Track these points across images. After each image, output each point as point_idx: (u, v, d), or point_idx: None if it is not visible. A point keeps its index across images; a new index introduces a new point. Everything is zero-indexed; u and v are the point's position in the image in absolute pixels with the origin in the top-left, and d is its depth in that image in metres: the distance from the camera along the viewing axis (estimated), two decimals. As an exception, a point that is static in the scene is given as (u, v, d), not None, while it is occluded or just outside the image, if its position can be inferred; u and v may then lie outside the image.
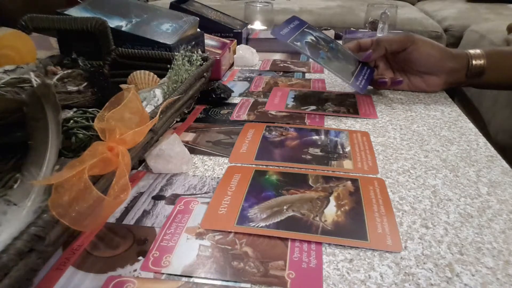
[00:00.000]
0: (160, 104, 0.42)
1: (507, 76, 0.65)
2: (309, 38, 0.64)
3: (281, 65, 0.87)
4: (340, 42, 0.73)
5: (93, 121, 0.39)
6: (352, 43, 0.69)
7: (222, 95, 0.63)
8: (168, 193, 0.40)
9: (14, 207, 0.28)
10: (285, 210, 0.36)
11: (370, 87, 0.70)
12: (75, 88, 0.52)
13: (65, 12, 0.63)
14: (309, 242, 0.33)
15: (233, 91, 0.67)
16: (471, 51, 0.65)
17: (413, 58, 0.66)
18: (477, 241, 0.33)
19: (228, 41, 0.84)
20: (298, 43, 0.61)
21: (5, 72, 0.50)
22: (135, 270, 0.30)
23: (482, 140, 0.52)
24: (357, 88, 0.64)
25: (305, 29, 0.65)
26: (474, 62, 0.64)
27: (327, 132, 0.53)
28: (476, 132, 0.54)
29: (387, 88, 0.71)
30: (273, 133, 0.53)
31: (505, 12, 1.73)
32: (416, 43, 0.65)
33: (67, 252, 0.31)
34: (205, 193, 0.40)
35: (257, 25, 1.15)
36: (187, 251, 0.31)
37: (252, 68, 0.85)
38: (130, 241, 0.33)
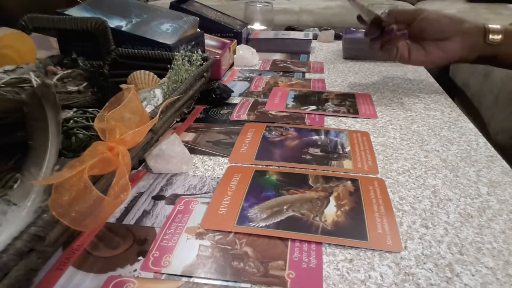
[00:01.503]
0: (160, 104, 0.42)
1: None
2: None
3: (281, 65, 0.87)
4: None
5: (93, 121, 0.39)
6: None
7: (222, 95, 0.63)
8: (168, 193, 0.40)
9: (14, 207, 0.28)
10: (285, 210, 0.36)
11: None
12: (75, 88, 0.52)
13: (65, 12, 0.63)
14: (309, 242, 0.33)
15: (233, 91, 0.67)
16: (489, 24, 0.63)
17: (424, 25, 0.64)
18: (477, 241, 0.33)
19: (228, 41, 0.84)
20: None
21: (5, 72, 0.50)
22: (135, 270, 0.30)
23: (482, 140, 0.52)
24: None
25: None
26: (491, 36, 0.62)
27: (327, 132, 0.53)
28: (476, 132, 0.54)
29: (396, 40, 0.67)
30: (273, 133, 0.53)
31: (505, 12, 1.73)
32: (424, 12, 0.64)
33: (67, 252, 0.31)
34: (205, 193, 0.40)
35: (257, 25, 1.15)
36: (187, 251, 0.31)
37: (252, 68, 0.85)
38: (130, 241, 0.33)
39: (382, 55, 0.73)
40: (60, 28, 0.59)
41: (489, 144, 0.50)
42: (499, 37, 0.61)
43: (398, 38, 0.66)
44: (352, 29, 1.02)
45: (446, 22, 0.64)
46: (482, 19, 1.58)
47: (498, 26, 0.62)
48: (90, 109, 0.42)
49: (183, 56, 0.55)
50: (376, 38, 0.66)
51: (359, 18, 0.69)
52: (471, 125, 0.56)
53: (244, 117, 0.58)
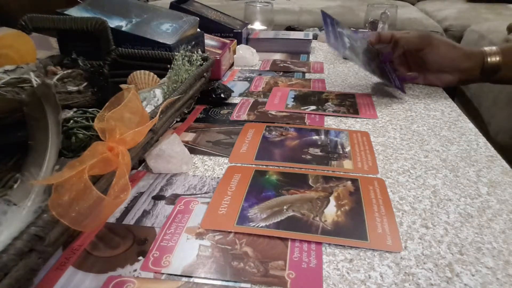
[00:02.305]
0: (160, 104, 0.42)
1: None
2: (346, 41, 0.65)
3: (281, 65, 0.87)
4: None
5: (93, 121, 0.39)
6: (373, 36, 0.71)
7: (222, 95, 0.63)
8: (168, 193, 0.40)
9: (14, 207, 0.28)
10: (285, 210, 0.36)
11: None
12: (75, 88, 0.52)
13: (65, 12, 0.63)
14: (309, 242, 0.33)
15: (233, 91, 0.67)
16: (487, 49, 0.67)
17: (428, 59, 0.69)
18: (477, 241, 0.33)
19: (228, 41, 0.84)
20: (347, 52, 0.63)
21: (5, 72, 0.50)
22: (135, 270, 0.30)
23: (482, 140, 0.52)
24: (400, 89, 0.67)
25: (337, 29, 0.66)
26: (489, 59, 0.65)
27: (327, 132, 0.53)
28: (476, 132, 0.54)
29: (405, 83, 0.75)
30: (273, 133, 0.53)
31: (505, 12, 1.73)
32: (432, 44, 0.68)
33: (67, 252, 0.31)
34: (205, 193, 0.40)
35: (257, 25, 1.15)
36: (187, 251, 0.31)
37: (252, 68, 0.85)
38: (130, 241, 0.33)
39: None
40: (60, 28, 0.59)
41: (489, 144, 0.50)
42: (497, 59, 0.65)
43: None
44: (352, 29, 1.02)
45: (450, 61, 0.69)
46: (482, 19, 1.59)
47: (494, 48, 0.66)
48: (90, 109, 0.42)
49: (183, 56, 0.55)
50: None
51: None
52: (471, 125, 0.56)
53: (244, 117, 0.58)
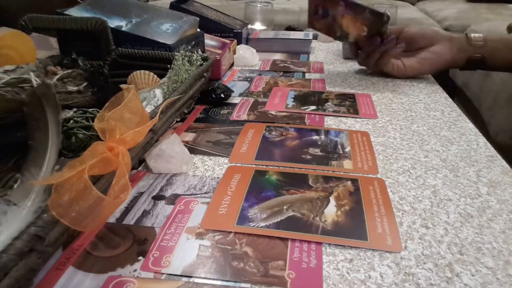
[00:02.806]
0: (160, 104, 0.42)
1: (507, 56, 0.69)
2: None
3: (281, 65, 0.87)
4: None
5: (93, 121, 0.39)
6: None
7: (222, 95, 0.63)
8: (168, 193, 0.40)
9: (14, 207, 0.28)
10: (285, 210, 0.36)
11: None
12: (75, 88, 0.52)
13: (65, 12, 0.63)
14: (309, 242, 0.33)
15: (233, 91, 0.67)
16: (469, 34, 0.72)
17: (411, 35, 0.73)
18: (477, 241, 0.33)
19: (228, 41, 0.84)
20: None
21: (5, 72, 0.50)
22: (135, 270, 0.30)
23: (482, 140, 0.52)
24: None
25: None
26: (473, 42, 0.70)
27: (327, 132, 0.53)
28: (476, 132, 0.54)
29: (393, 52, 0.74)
30: (273, 133, 0.53)
31: (505, 12, 1.73)
32: (407, 26, 0.73)
33: (67, 252, 0.31)
34: (205, 193, 0.40)
35: (257, 25, 1.15)
36: (187, 251, 0.31)
37: (252, 68, 0.85)
38: (130, 241, 0.33)
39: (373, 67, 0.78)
40: (60, 28, 0.59)
41: (489, 144, 0.50)
42: (480, 43, 0.70)
43: (396, 49, 0.73)
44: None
45: (430, 32, 0.74)
46: (482, 19, 1.59)
47: (480, 34, 0.71)
48: (90, 109, 0.42)
49: (183, 56, 0.55)
50: (372, 50, 0.73)
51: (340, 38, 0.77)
52: (471, 125, 0.56)
53: (244, 117, 0.58)
